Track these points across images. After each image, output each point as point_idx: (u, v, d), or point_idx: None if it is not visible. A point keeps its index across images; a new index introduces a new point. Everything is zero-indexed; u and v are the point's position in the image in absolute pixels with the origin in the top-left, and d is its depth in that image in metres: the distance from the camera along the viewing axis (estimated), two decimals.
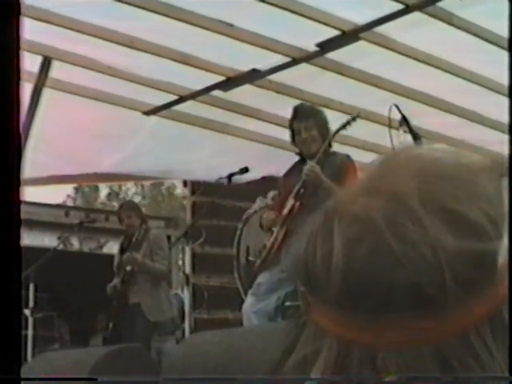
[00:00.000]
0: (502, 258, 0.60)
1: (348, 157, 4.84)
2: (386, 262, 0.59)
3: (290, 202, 4.71)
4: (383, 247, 0.60)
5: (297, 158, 4.95)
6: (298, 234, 0.67)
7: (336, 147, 4.94)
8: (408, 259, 0.59)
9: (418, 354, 0.60)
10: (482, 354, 0.60)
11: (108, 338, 6.39)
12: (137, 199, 24.42)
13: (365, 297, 0.60)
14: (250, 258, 5.41)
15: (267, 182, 6.41)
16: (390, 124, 4.35)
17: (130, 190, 26.97)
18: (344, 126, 4.85)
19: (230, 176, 5.36)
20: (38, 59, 5.36)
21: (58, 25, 4.94)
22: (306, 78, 5.78)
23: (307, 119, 4.75)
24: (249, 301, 4.89)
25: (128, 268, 6.17)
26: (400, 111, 4.47)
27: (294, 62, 5.51)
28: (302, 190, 4.68)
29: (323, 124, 4.80)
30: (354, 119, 4.85)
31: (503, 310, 0.60)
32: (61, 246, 7.20)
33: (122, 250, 6.37)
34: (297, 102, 5.32)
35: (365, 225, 0.61)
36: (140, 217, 6.40)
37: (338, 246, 0.61)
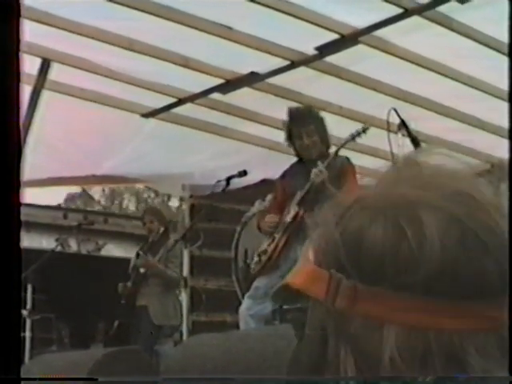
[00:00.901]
0: None
1: (348, 159, 4.85)
2: (475, 250, 0.62)
3: (294, 209, 4.69)
4: (471, 236, 0.62)
5: (293, 160, 4.96)
6: (329, 223, 0.68)
7: (334, 150, 4.93)
8: (491, 249, 0.63)
9: (488, 339, 0.62)
10: None
11: (112, 336, 6.43)
12: (134, 201, 24.40)
13: (453, 283, 0.62)
14: (249, 262, 5.40)
15: (266, 185, 6.40)
16: (388, 128, 4.34)
17: (129, 192, 26.93)
18: (353, 138, 4.85)
19: (229, 179, 5.36)
20: (38, 61, 5.36)
21: (57, 27, 4.94)
22: (304, 81, 5.78)
23: (308, 125, 4.75)
24: (246, 304, 4.88)
25: (141, 270, 6.29)
26: (399, 115, 4.47)
27: (293, 65, 5.51)
28: (305, 197, 4.67)
29: (323, 128, 4.81)
30: (364, 131, 4.84)
31: None
32: (59, 248, 7.21)
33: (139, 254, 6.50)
34: (296, 105, 5.32)
35: (448, 216, 0.63)
36: (163, 223, 6.56)
37: (432, 233, 0.62)
